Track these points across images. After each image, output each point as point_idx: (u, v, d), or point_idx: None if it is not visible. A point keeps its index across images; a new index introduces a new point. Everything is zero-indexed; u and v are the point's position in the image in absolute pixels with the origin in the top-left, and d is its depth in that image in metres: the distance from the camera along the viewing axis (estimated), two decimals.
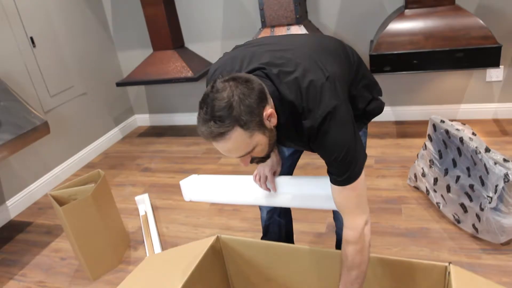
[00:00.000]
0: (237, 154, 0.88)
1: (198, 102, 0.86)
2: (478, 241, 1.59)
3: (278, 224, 1.39)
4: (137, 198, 2.18)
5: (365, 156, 0.96)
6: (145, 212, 2.07)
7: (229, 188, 1.22)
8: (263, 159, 0.95)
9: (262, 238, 1.43)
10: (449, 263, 1.00)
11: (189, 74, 2.68)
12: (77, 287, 1.69)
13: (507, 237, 1.50)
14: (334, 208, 1.04)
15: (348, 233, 0.97)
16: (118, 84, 2.88)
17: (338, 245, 1.30)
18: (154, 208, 2.16)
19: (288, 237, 1.46)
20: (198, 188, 1.25)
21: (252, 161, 0.94)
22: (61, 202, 1.67)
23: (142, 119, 3.47)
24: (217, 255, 1.25)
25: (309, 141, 0.94)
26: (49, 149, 2.59)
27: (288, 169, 1.28)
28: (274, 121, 0.89)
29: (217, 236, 1.23)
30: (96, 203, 1.65)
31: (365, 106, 1.08)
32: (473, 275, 0.98)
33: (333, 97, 0.88)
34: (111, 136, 3.17)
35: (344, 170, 0.91)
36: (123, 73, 3.28)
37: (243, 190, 1.21)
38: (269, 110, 0.86)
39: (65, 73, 2.70)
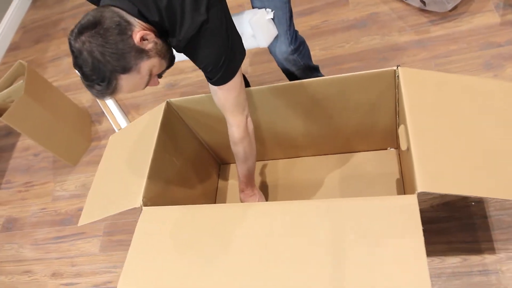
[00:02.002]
0: (139, 88, 0.85)
1: None
2: (426, 13, 1.56)
3: None
4: None
5: (241, 55, 0.93)
6: None
7: None
8: (168, 67, 0.91)
9: None
10: (397, 66, 0.99)
11: None
12: (63, 177, 1.75)
13: (454, 3, 1.46)
14: (261, 45, 1.08)
15: (234, 131, 1.01)
16: None
17: (286, 73, 1.28)
18: None
19: None
20: None
21: (160, 77, 0.92)
22: None
23: None
24: (174, 118, 1.23)
25: None
26: None
27: None
28: (151, 36, 0.82)
29: (166, 102, 1.19)
30: (35, 96, 1.54)
31: None
32: (420, 71, 0.99)
33: (195, 14, 0.82)
34: (19, 5, 2.71)
35: (216, 73, 0.90)
36: None
37: None
38: (138, 34, 0.79)
39: None
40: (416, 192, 0.79)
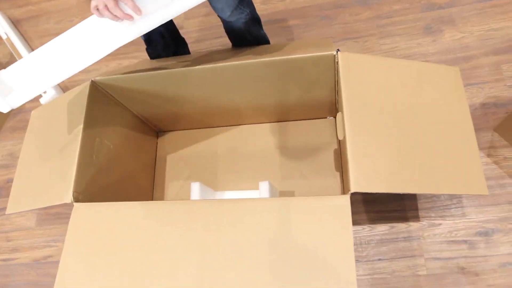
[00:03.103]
0: None
1: None
2: None
3: (159, 32, 1.20)
4: None
5: None
6: (6, 35, 1.72)
7: (72, 48, 0.92)
8: None
9: (147, 50, 1.27)
10: (337, 51, 0.95)
11: None
12: None
13: None
14: None
15: None
16: None
17: (227, 27, 1.18)
18: (15, 23, 1.79)
19: (175, 39, 1.29)
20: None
21: None
22: None
23: None
24: (103, 97, 1.13)
25: None
26: None
27: None
28: None
29: (91, 81, 1.08)
30: None
31: None
32: (360, 56, 0.96)
33: None
34: None
35: None
36: None
37: (94, 41, 0.92)
38: None
39: None
40: (350, 192, 0.81)
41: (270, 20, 1.50)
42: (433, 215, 1.16)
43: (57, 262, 1.35)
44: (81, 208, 0.94)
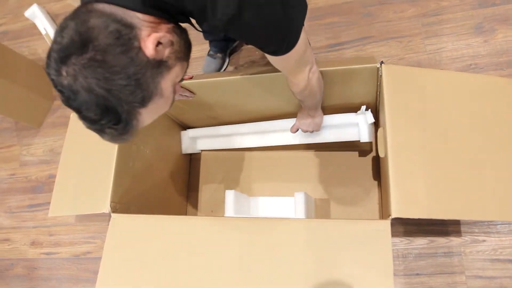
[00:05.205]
0: (164, 111, 0.64)
1: None
2: None
3: None
4: (27, 14, 1.78)
5: (301, 12, 0.69)
6: (45, 30, 1.75)
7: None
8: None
9: None
10: (381, 63, 0.89)
11: None
12: (28, 140, 1.66)
13: None
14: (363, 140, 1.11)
15: (292, 87, 0.85)
16: None
17: None
18: (54, 18, 1.81)
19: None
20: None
21: (181, 81, 0.77)
22: None
23: None
24: None
25: None
26: None
27: None
28: (165, 35, 0.58)
29: None
30: None
31: None
32: (405, 69, 0.90)
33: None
34: None
35: (272, 47, 0.68)
36: None
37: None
38: (148, 41, 0.55)
39: None
40: (390, 218, 0.78)
41: (307, 17, 1.43)
42: (476, 230, 1.11)
43: (96, 258, 1.40)
44: (118, 220, 0.96)
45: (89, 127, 0.57)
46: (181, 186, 1.36)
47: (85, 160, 1.12)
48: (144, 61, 0.55)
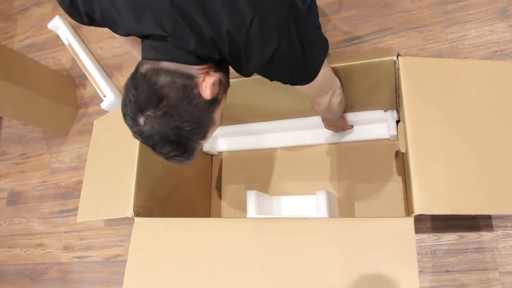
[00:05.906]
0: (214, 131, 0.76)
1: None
2: None
3: None
4: (50, 26, 1.84)
5: (321, 55, 0.77)
6: (68, 41, 1.80)
7: None
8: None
9: None
10: (398, 55, 0.87)
11: None
12: (57, 148, 1.71)
13: None
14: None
15: (314, 106, 0.95)
16: None
17: None
18: (76, 29, 1.86)
19: None
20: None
21: None
22: None
23: None
24: None
25: None
26: None
27: None
28: (216, 78, 0.69)
29: None
30: (4, 75, 1.43)
31: None
32: (423, 60, 0.88)
33: (264, 44, 0.67)
34: None
35: (296, 83, 0.79)
36: None
37: None
38: (205, 86, 0.67)
39: None
40: (413, 215, 0.76)
41: (323, 12, 1.42)
42: (509, 225, 1.06)
43: (125, 261, 1.43)
44: (142, 224, 0.98)
45: (159, 155, 0.70)
46: (204, 187, 1.37)
47: (108, 166, 1.14)
48: (204, 103, 0.68)
